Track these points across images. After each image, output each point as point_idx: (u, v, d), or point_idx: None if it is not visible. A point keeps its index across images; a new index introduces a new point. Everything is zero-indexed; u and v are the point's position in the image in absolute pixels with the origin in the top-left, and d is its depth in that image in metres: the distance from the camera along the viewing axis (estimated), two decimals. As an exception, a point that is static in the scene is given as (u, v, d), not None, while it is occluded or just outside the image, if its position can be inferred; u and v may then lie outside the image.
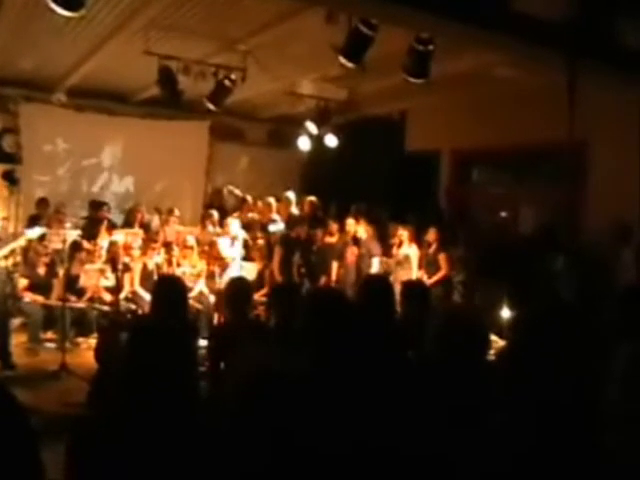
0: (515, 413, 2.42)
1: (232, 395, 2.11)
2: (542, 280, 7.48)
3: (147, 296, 8.45)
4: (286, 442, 1.97)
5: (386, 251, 9.19)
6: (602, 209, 8.12)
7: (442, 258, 8.44)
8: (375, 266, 8.92)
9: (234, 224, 9.66)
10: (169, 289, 4.33)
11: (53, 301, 8.22)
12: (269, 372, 2.08)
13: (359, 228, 9.33)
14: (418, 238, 8.77)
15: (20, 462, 1.73)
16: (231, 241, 9.42)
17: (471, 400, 2.54)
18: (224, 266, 9.07)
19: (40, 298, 8.20)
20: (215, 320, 8.39)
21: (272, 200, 11.04)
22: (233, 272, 8.54)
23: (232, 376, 2.06)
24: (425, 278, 8.16)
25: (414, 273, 8.50)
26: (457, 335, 2.77)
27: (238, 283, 4.74)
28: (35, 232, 7.59)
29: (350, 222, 9.42)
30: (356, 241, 9.28)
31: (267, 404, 1.99)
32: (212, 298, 8.79)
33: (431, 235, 8.59)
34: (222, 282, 8.55)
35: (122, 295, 8.56)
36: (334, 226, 9.61)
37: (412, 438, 2.49)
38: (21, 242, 7.65)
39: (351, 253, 9.17)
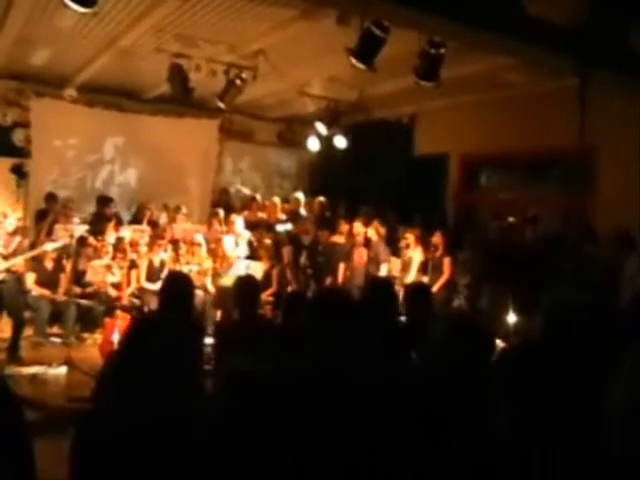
0: (516, 414, 2.43)
1: (216, 395, 2.14)
2: (550, 285, 7.45)
3: (153, 286, 8.47)
4: (280, 442, 1.99)
5: (394, 254, 9.18)
6: (610, 215, 8.09)
7: (446, 262, 8.43)
8: (384, 270, 8.91)
9: (239, 222, 9.66)
10: (177, 283, 4.35)
11: (60, 296, 8.23)
12: (245, 374, 2.10)
13: (370, 230, 9.32)
14: (424, 241, 8.76)
15: (13, 454, 1.74)
16: (235, 240, 9.40)
17: (472, 403, 2.55)
18: (229, 265, 9.06)
19: (47, 292, 8.22)
20: (218, 317, 8.42)
21: (278, 200, 11.06)
22: (238, 271, 8.53)
23: (219, 376, 2.10)
24: (427, 281, 8.16)
25: (412, 276, 8.49)
26: (462, 341, 2.77)
27: (247, 281, 4.75)
28: (53, 245, 7.81)
29: (358, 225, 9.41)
30: (367, 243, 9.27)
31: (245, 404, 2.02)
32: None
33: (437, 239, 8.57)
34: (226, 280, 8.56)
35: (128, 291, 8.60)
36: (344, 227, 9.60)
37: (413, 438, 2.50)
38: (38, 252, 7.83)
39: (359, 255, 9.16)
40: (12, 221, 8.36)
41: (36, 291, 8.12)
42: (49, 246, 7.78)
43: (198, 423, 2.13)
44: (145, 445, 2.02)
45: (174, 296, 4.11)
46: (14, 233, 8.22)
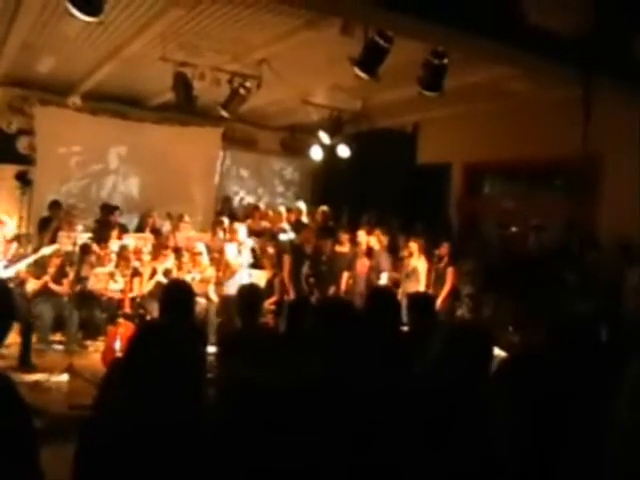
0: (517, 420, 2.42)
1: (216, 402, 2.15)
2: (553, 295, 7.42)
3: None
4: (276, 450, 1.99)
5: (396, 263, 9.17)
6: (613, 224, 8.07)
7: (450, 272, 8.43)
8: (384, 279, 8.91)
9: (241, 230, 9.68)
10: (177, 291, 4.35)
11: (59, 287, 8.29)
12: (243, 380, 2.11)
13: (372, 239, 9.31)
14: (428, 251, 8.75)
15: (22, 459, 1.74)
16: (238, 248, 9.42)
17: (471, 410, 2.54)
18: (232, 273, 9.07)
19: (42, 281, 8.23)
20: (219, 325, 8.43)
21: (282, 209, 11.08)
22: (241, 280, 8.54)
23: (218, 383, 2.11)
24: (432, 291, 8.16)
25: (422, 286, 8.48)
26: (462, 348, 2.76)
27: (249, 290, 4.76)
28: (50, 249, 7.95)
29: (361, 234, 9.41)
30: (369, 252, 9.26)
31: (243, 410, 2.02)
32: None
33: (443, 250, 8.55)
34: (228, 289, 8.57)
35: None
36: (345, 236, 9.60)
37: (412, 446, 2.49)
38: (36, 257, 7.86)
39: (362, 264, 9.16)
40: (10, 228, 8.36)
41: (32, 282, 8.13)
42: (47, 250, 7.83)
43: (200, 428, 2.13)
44: (148, 451, 2.02)
45: (173, 302, 4.11)
46: (12, 240, 8.23)
